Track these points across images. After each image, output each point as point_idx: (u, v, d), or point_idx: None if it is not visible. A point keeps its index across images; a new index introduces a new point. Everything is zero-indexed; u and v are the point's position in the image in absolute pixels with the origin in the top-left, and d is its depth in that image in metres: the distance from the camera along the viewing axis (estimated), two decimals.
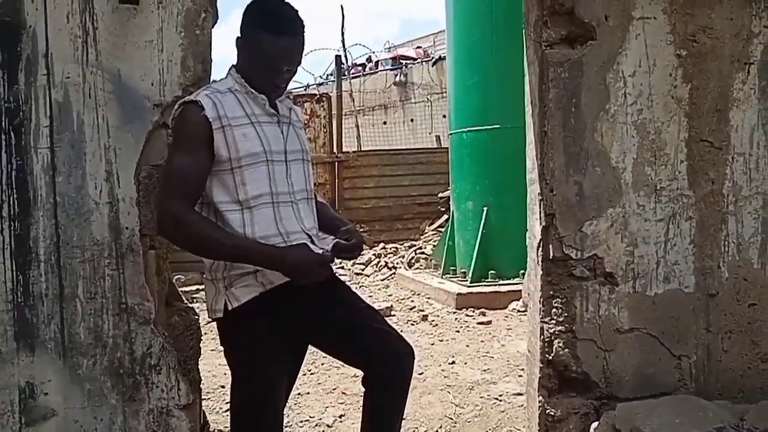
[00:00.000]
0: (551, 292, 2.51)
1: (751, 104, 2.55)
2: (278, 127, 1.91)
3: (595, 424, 2.44)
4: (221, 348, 1.95)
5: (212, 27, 2.20)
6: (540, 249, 2.52)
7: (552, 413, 2.53)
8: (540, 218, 2.51)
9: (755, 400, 2.54)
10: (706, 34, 2.50)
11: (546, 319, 2.52)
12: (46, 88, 2.03)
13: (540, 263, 2.53)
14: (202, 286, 6.77)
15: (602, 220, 2.49)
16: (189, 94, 2.05)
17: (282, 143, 1.90)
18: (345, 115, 11.46)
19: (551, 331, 2.52)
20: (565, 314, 2.50)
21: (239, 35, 1.88)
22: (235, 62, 1.92)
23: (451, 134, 6.62)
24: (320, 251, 1.86)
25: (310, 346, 2.10)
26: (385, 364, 1.98)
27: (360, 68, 20.91)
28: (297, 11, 1.87)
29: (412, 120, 18.88)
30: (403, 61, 20.09)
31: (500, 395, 3.39)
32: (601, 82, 2.45)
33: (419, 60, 19.60)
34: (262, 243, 1.81)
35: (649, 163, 2.50)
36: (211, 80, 2.17)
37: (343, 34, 12.63)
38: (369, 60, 20.09)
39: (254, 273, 1.83)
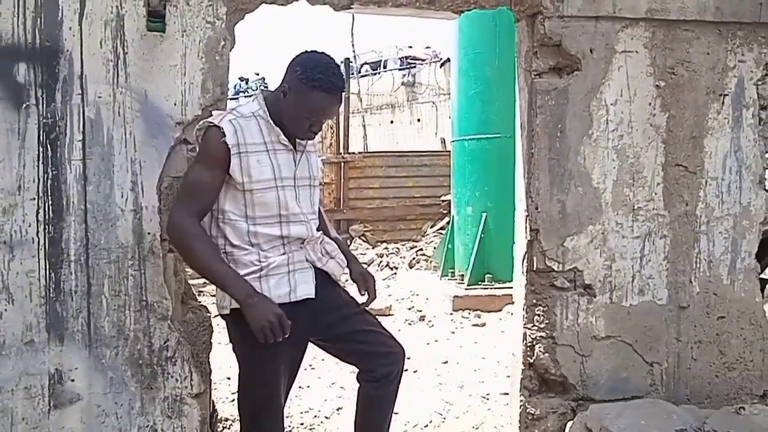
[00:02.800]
0: (534, 301, 2.72)
1: (724, 133, 2.76)
2: (292, 154, 2.08)
3: (570, 423, 2.65)
4: (228, 342, 2.16)
5: (230, 52, 2.42)
6: (525, 261, 2.74)
7: (532, 412, 2.75)
8: (526, 233, 2.72)
9: (721, 406, 2.76)
10: (683, 67, 2.71)
11: (528, 325, 2.74)
12: (80, 106, 2.25)
13: (524, 274, 2.74)
14: None
15: (583, 236, 2.70)
16: (208, 113, 2.27)
17: (293, 170, 2.07)
18: (352, 113, 11.66)
19: (533, 336, 2.73)
20: (546, 321, 2.71)
21: (286, 83, 1.99)
22: (266, 90, 2.11)
23: (453, 141, 6.82)
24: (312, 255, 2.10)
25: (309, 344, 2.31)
26: (377, 363, 2.19)
27: (369, 67, 21.09)
28: (340, 67, 2.04)
29: (418, 120, 19.07)
30: (412, 62, 20.27)
31: (488, 394, 3.60)
32: (585, 109, 2.66)
33: (427, 61, 19.79)
34: (243, 279, 1.96)
35: (628, 184, 2.71)
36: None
37: (353, 35, 12.84)
38: (378, 63, 20.33)
39: (258, 279, 2.01)
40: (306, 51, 2.06)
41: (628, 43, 2.66)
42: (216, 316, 2.35)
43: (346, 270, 2.26)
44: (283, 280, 2.04)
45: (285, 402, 2.20)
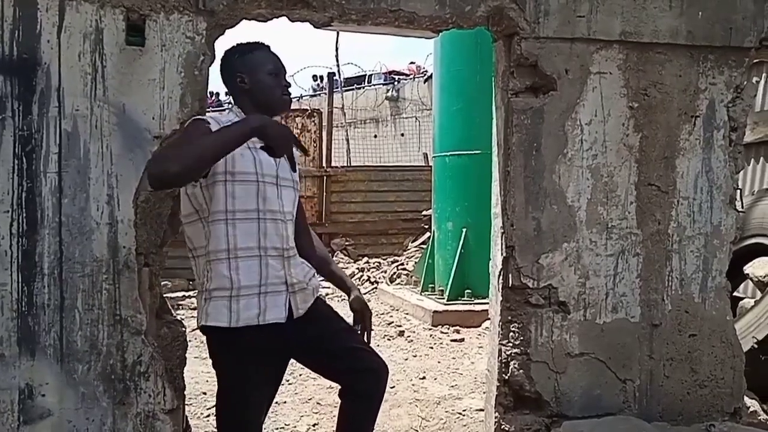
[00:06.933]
0: (509, 317, 2.74)
1: (695, 153, 2.81)
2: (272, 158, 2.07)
3: None
4: (204, 356, 2.15)
5: (209, 67, 2.43)
6: (500, 277, 2.76)
7: (507, 428, 2.76)
8: (501, 249, 2.75)
9: (692, 423, 2.79)
10: (656, 89, 2.76)
11: (503, 342, 2.76)
12: (57, 119, 2.24)
13: (500, 290, 2.76)
14: (189, 293, 6.99)
15: (557, 254, 2.73)
16: None
17: (274, 169, 2.08)
18: (336, 127, 11.70)
19: (508, 353, 2.75)
20: (521, 338, 2.73)
21: (238, 73, 2.09)
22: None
23: (434, 157, 6.87)
24: (294, 278, 2.09)
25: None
26: (361, 379, 2.17)
27: (354, 81, 21.16)
28: None
29: (402, 134, 19.15)
30: (396, 77, 20.40)
31: (464, 410, 3.61)
32: (560, 128, 2.70)
33: (411, 76, 19.93)
34: (243, 119, 1.94)
35: (602, 203, 2.75)
36: None
37: (337, 50, 12.93)
38: (362, 77, 20.42)
39: (229, 298, 1.98)
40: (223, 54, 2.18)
41: (603, 64, 2.71)
42: (193, 330, 2.35)
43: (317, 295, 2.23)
44: (252, 301, 2.00)
45: (264, 419, 2.20)
